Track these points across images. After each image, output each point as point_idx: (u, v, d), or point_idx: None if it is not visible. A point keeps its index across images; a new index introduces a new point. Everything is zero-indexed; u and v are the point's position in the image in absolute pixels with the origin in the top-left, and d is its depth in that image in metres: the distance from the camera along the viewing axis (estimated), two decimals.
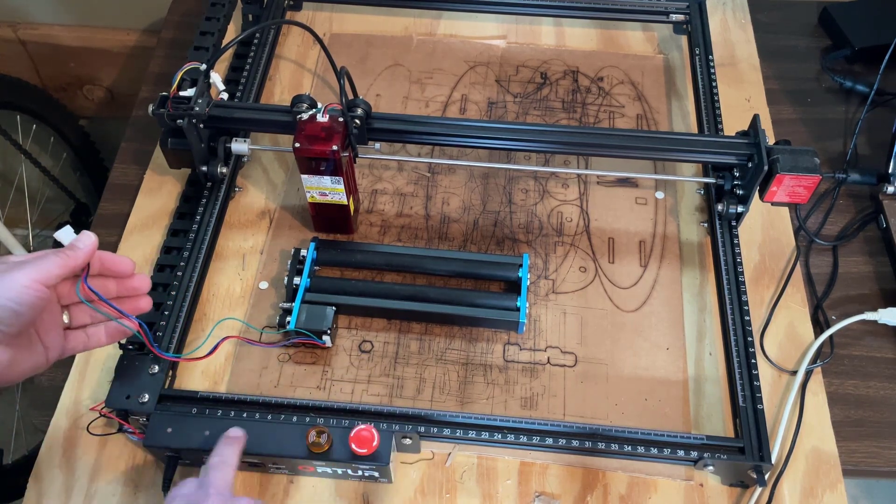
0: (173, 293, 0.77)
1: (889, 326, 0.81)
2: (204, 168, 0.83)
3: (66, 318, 0.58)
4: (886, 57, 0.92)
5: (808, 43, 1.08)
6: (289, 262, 0.80)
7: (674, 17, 1.04)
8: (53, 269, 0.53)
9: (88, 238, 0.56)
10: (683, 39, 1.05)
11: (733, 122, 0.93)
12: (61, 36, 1.39)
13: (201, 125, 0.79)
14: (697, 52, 0.99)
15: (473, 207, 0.89)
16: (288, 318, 0.75)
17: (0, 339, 0.51)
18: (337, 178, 0.76)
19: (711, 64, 0.97)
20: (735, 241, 0.82)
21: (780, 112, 0.99)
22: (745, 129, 0.81)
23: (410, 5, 1.07)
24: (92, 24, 1.37)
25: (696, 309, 0.81)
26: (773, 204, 0.79)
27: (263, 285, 0.82)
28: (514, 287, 0.81)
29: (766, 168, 0.75)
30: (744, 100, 0.99)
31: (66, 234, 0.57)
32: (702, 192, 0.90)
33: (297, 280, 0.78)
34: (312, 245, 0.81)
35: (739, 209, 0.81)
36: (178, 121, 0.77)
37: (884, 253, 0.87)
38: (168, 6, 1.13)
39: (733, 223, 0.83)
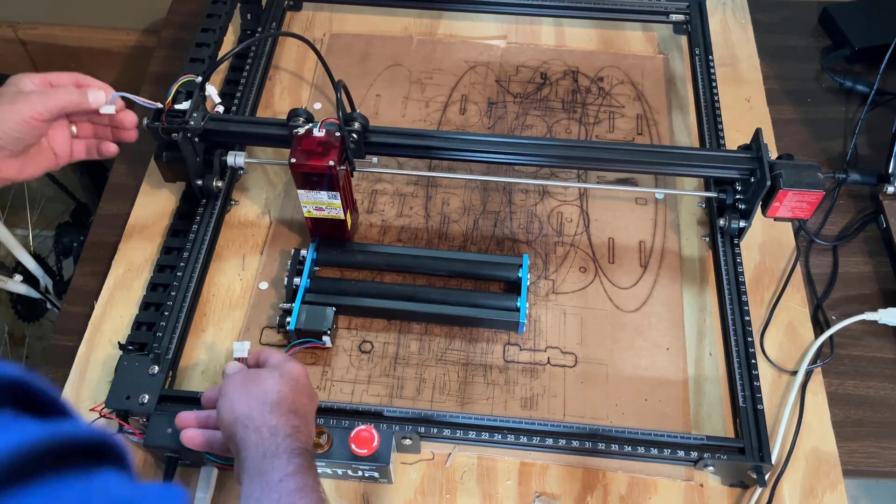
0: (173, 293, 0.77)
1: (889, 326, 0.81)
2: (199, 182, 0.82)
3: (73, 130, 0.72)
4: (886, 57, 0.92)
5: (808, 43, 1.08)
6: (289, 262, 0.80)
7: (674, 17, 1.04)
8: (51, 107, 0.67)
9: (98, 96, 0.70)
10: (683, 39, 1.05)
11: (734, 123, 0.93)
12: (61, 36, 1.39)
13: (196, 139, 0.79)
14: (697, 52, 0.99)
15: (473, 208, 0.89)
16: (288, 319, 0.75)
17: (7, 154, 0.66)
18: (333, 192, 0.75)
19: (711, 64, 0.97)
20: (738, 260, 0.80)
21: (780, 112, 0.99)
22: (746, 130, 0.81)
23: (410, 5, 1.07)
24: (92, 24, 1.37)
25: (696, 309, 0.81)
26: (775, 219, 0.78)
27: (263, 285, 0.82)
28: (514, 287, 0.81)
29: (768, 183, 0.74)
30: (744, 100, 0.99)
31: (241, 347, 0.68)
32: (703, 205, 0.89)
33: (297, 280, 0.78)
34: (312, 245, 0.81)
35: (741, 224, 0.80)
36: (174, 135, 0.77)
37: (884, 253, 0.87)
38: (168, 6, 1.13)
39: (735, 239, 0.82)
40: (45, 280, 1.25)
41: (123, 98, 0.73)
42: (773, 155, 0.80)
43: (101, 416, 0.69)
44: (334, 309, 0.76)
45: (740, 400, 0.71)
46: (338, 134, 0.74)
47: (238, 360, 0.66)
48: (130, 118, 0.74)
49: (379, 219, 0.88)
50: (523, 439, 0.69)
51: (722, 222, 0.81)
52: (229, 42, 1.02)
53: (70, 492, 0.29)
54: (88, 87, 0.71)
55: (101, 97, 0.71)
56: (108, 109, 0.71)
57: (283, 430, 0.56)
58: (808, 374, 0.76)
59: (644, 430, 0.70)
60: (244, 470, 0.55)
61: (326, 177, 0.73)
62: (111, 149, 0.75)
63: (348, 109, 0.79)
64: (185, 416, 0.64)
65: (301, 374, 0.62)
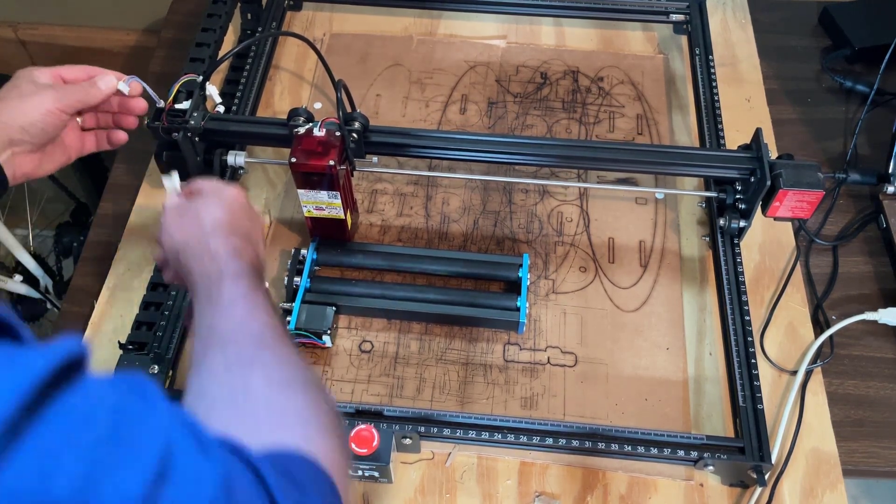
0: (173, 293, 0.77)
1: (889, 326, 0.81)
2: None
3: (79, 120, 0.72)
4: (886, 57, 0.92)
5: (809, 43, 1.08)
6: (289, 262, 0.80)
7: (674, 17, 1.04)
8: (74, 101, 0.66)
9: (110, 82, 0.69)
10: (683, 39, 1.05)
11: (734, 123, 0.93)
12: (61, 36, 1.39)
13: (197, 138, 0.79)
14: (697, 52, 0.99)
15: (473, 207, 0.89)
16: (288, 318, 0.75)
17: (30, 148, 0.65)
18: (334, 192, 0.75)
19: (712, 64, 0.97)
20: (738, 260, 0.80)
21: (780, 112, 0.99)
22: (746, 130, 0.81)
23: (410, 5, 1.07)
24: (92, 24, 1.37)
25: (696, 309, 0.81)
26: (775, 219, 0.78)
27: None
28: (514, 287, 0.81)
29: (768, 183, 0.74)
30: (744, 100, 0.99)
31: (170, 181, 0.64)
32: (703, 205, 0.89)
33: (297, 280, 0.78)
34: (312, 245, 0.81)
35: (742, 224, 0.80)
36: (174, 134, 0.77)
37: (884, 253, 0.87)
38: (168, 6, 1.13)
39: (735, 239, 0.82)
40: (45, 280, 1.25)
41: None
42: (773, 155, 0.80)
43: None
44: (334, 308, 0.76)
45: (740, 400, 0.71)
46: (338, 133, 0.74)
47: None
48: (141, 105, 0.73)
49: (379, 218, 0.88)
50: (523, 439, 0.69)
51: (722, 222, 0.81)
52: (229, 42, 1.02)
53: (79, 407, 0.29)
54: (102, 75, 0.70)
55: (112, 83, 0.69)
56: (123, 87, 0.70)
57: (224, 253, 0.54)
58: (808, 373, 0.76)
59: (644, 429, 0.70)
60: (195, 297, 0.54)
61: (326, 176, 0.73)
62: (121, 137, 0.74)
63: (348, 109, 0.79)
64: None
65: (238, 196, 0.60)
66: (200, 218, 0.57)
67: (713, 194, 0.83)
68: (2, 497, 0.25)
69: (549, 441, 0.69)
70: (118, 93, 0.70)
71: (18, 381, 0.27)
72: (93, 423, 0.29)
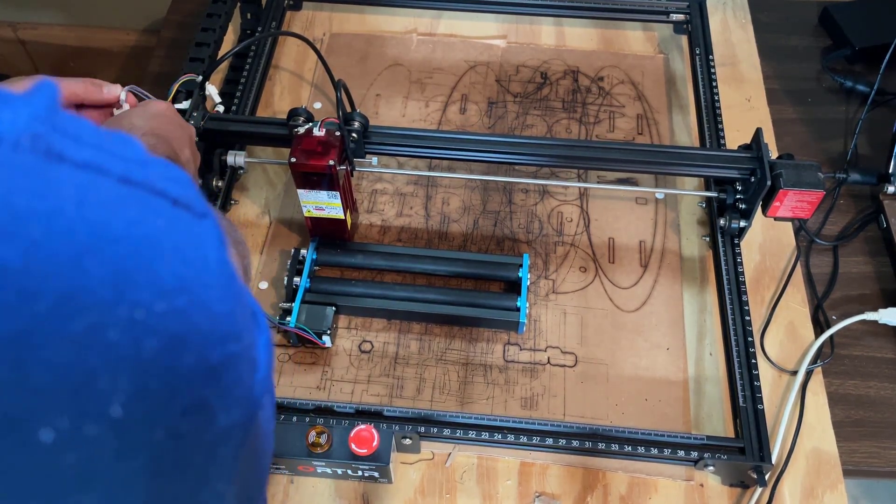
0: None
1: (889, 326, 0.80)
2: (199, 181, 0.82)
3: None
4: (887, 57, 0.91)
5: (809, 43, 1.08)
6: (288, 262, 0.80)
7: (674, 16, 1.04)
8: (72, 89, 0.66)
9: (115, 90, 0.69)
10: (684, 39, 1.05)
11: (734, 122, 0.93)
12: (61, 36, 1.39)
13: (196, 138, 0.79)
14: (698, 51, 0.99)
15: (473, 207, 0.89)
16: (288, 318, 0.75)
17: None
18: (333, 192, 0.75)
19: (712, 64, 0.97)
20: (738, 260, 0.80)
21: (781, 112, 0.99)
22: (746, 130, 0.81)
23: (410, 5, 1.07)
24: (92, 24, 1.37)
25: (697, 309, 0.81)
26: (775, 219, 0.78)
27: (263, 285, 0.82)
28: (514, 287, 0.81)
29: (768, 183, 0.74)
30: (744, 100, 0.99)
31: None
32: (703, 205, 0.89)
33: (296, 280, 0.78)
34: (312, 245, 0.81)
35: (742, 224, 0.80)
36: None
37: (884, 253, 0.87)
38: (168, 6, 1.13)
39: (735, 240, 0.82)
40: None
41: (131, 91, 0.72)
42: (774, 155, 0.80)
43: None
44: (334, 308, 0.76)
45: (740, 400, 0.71)
46: (338, 133, 0.74)
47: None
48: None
49: (379, 218, 0.88)
50: (523, 439, 0.69)
51: (722, 222, 0.81)
52: (229, 42, 1.02)
53: None
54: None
55: (117, 90, 0.70)
56: (124, 107, 0.70)
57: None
58: (809, 373, 0.76)
59: (644, 430, 0.69)
60: None
61: (326, 176, 0.73)
62: None
63: (348, 109, 0.79)
64: None
65: (164, 107, 0.66)
66: (122, 125, 0.63)
67: (713, 194, 0.83)
68: None
69: (549, 441, 0.68)
70: (117, 105, 0.70)
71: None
72: None
